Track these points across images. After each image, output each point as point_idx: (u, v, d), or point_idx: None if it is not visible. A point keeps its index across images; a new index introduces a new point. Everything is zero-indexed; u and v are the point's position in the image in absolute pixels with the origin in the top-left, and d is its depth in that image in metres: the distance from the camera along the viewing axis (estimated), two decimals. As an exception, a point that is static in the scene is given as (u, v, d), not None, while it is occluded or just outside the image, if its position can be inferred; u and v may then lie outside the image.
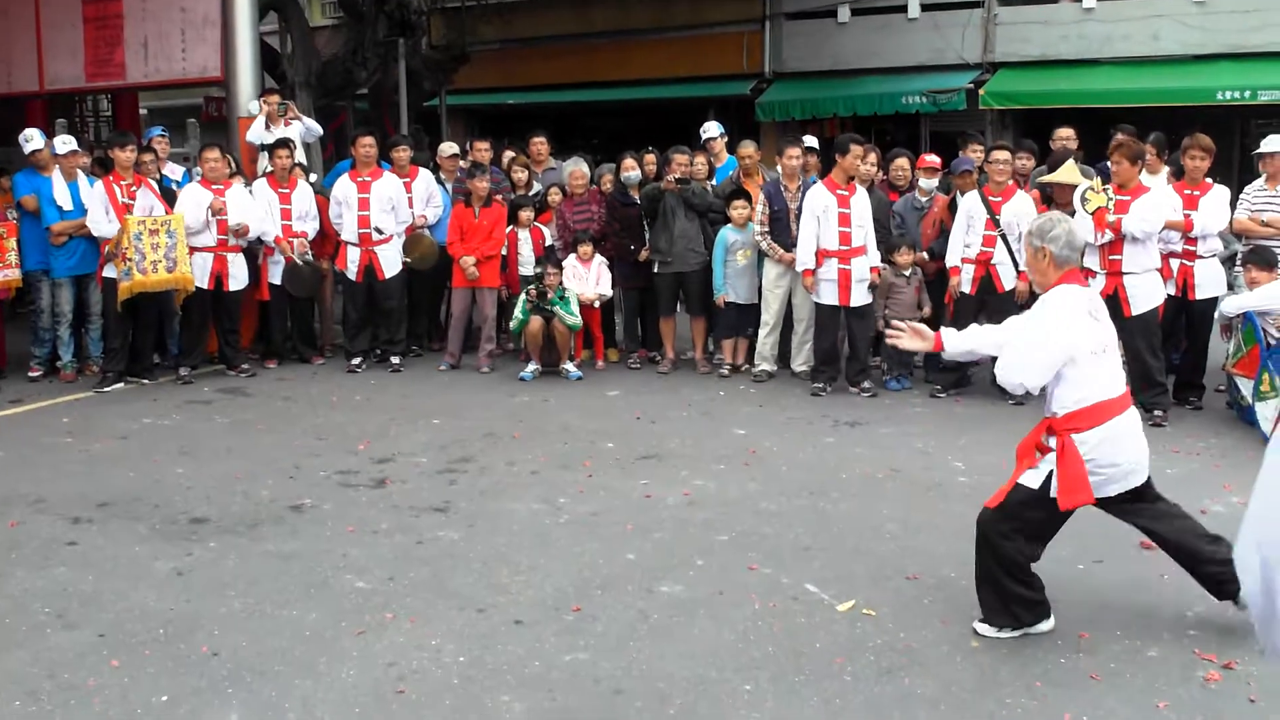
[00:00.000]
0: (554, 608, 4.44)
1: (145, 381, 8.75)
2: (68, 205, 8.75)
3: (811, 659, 3.98)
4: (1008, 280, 7.91)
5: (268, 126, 10.21)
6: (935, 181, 8.75)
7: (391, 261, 9.33)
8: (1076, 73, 16.02)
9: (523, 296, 8.86)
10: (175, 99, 19.66)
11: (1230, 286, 7.70)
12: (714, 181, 9.25)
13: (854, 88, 17.19)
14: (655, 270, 9.03)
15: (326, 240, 9.60)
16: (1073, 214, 6.88)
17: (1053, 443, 4.01)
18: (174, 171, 10.33)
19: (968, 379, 8.33)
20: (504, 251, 9.37)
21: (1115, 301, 6.99)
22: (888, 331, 4.73)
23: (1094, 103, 14.88)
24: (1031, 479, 4.04)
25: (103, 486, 6.11)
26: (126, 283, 8.30)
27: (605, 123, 19.58)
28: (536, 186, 9.95)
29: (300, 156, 10.00)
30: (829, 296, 8.13)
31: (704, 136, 9.72)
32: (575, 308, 8.81)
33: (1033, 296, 4.62)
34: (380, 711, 3.65)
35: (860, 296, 8.13)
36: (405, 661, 3.98)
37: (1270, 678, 3.75)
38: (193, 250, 8.63)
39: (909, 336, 4.45)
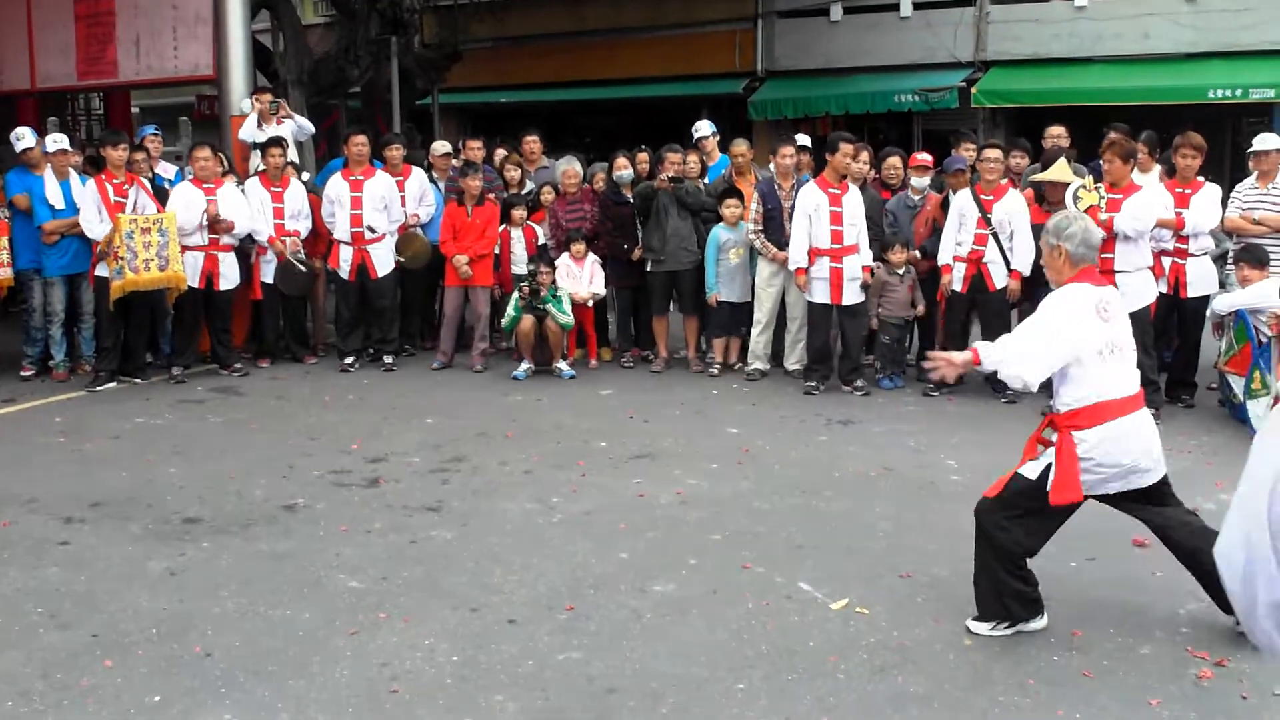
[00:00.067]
0: (547, 607, 4.44)
1: (138, 381, 8.73)
2: (60, 204, 8.72)
3: (804, 658, 3.98)
4: (999, 279, 7.93)
5: (260, 125, 10.16)
6: (928, 180, 8.75)
7: (384, 260, 9.32)
8: (1068, 71, 16.04)
9: (515, 295, 8.85)
10: (167, 97, 19.58)
11: (1222, 285, 7.72)
12: (706, 180, 9.25)
13: (846, 86, 17.19)
14: (648, 269, 9.03)
15: (319, 239, 9.58)
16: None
17: (1054, 437, 4.03)
18: (166, 170, 10.32)
19: (960, 378, 8.33)
20: (497, 250, 9.37)
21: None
22: (925, 365, 4.40)
23: (1086, 101, 14.90)
24: (1031, 470, 4.07)
25: (95, 486, 6.10)
26: (119, 282, 8.27)
27: (598, 121, 19.56)
28: (529, 185, 9.95)
29: (292, 155, 9.98)
30: (821, 295, 8.14)
31: (696, 135, 9.71)
32: (568, 306, 8.81)
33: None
34: (374, 711, 3.65)
35: (852, 295, 8.13)
36: (399, 661, 3.98)
37: (1262, 675, 3.77)
38: (184, 249, 8.62)
39: (946, 365, 4.23)
